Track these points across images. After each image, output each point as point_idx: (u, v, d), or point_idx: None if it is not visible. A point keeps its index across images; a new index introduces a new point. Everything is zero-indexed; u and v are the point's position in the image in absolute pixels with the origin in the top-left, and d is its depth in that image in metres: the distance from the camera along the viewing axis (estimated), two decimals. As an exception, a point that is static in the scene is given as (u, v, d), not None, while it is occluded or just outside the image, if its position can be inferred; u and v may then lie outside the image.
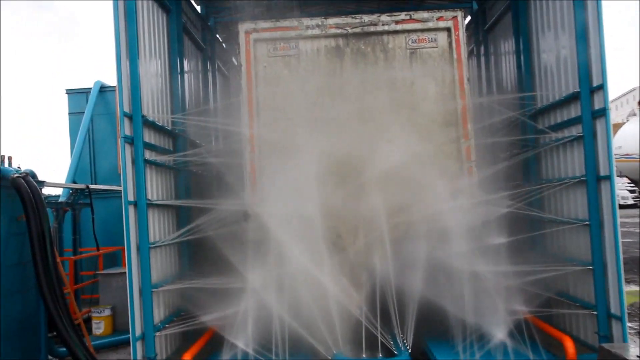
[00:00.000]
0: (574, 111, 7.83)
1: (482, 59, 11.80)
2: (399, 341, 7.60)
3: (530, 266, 7.47)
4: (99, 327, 10.57)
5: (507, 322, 7.29)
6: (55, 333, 8.34)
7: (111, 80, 14.94)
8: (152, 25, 8.64)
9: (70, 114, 15.49)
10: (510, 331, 7.28)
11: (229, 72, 13.12)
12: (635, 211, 33.62)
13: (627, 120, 19.65)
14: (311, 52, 8.36)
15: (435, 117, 8.14)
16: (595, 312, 7.34)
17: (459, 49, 8.30)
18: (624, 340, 7.02)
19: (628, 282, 12.46)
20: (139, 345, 7.33)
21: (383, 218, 7.52)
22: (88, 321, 10.50)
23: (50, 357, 9.30)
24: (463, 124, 8.14)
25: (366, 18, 8.38)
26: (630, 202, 35.26)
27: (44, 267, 7.91)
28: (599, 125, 7.35)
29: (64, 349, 8.42)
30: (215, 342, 7.67)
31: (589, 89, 7.43)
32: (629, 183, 27.25)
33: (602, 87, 7.19)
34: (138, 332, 7.35)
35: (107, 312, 10.67)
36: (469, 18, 11.77)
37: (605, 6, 7.14)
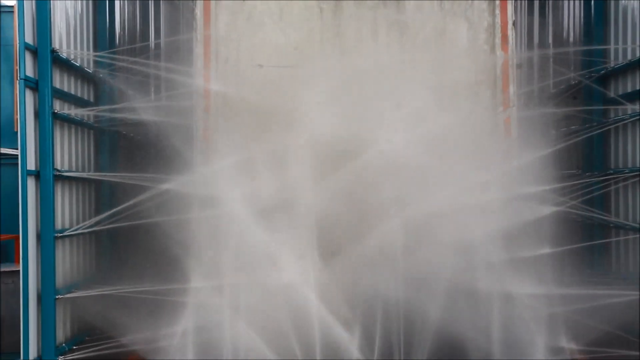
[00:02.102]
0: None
1: (535, -2, 11.85)
2: None
3: (585, 288, 7.64)
4: (-23, 346, 10.64)
5: (550, 363, 7.48)
6: None
7: (6, -2, 14.87)
8: None
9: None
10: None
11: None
12: None
13: None
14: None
15: (465, 75, 8.17)
16: (670, 354, 7.58)
17: (503, -20, 8.37)
18: None
19: None
20: (34, 371, 7.48)
21: (388, 208, 7.63)
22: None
23: None
24: (503, 87, 8.19)
25: None
26: None
27: None
28: None
29: None
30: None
31: None
32: None
33: None
34: (32, 355, 7.44)
35: (-10, 326, 10.74)
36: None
37: None
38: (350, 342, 7.58)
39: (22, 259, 7.45)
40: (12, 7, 7.35)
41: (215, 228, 7.63)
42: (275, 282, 7.51)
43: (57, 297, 7.70)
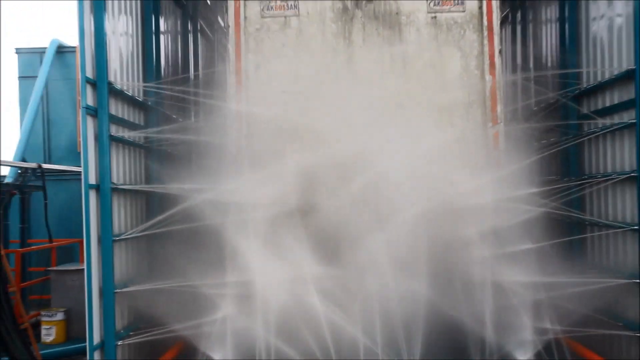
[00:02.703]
0: (626, 93, 7.88)
1: (518, 27, 11.78)
2: None
3: (565, 277, 7.54)
4: (50, 333, 10.62)
5: (535, 344, 7.40)
6: None
7: (72, 39, 14.87)
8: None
9: (20, 77, 15.40)
10: (539, 354, 7.39)
11: (213, 35, 13.13)
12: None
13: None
14: (313, 14, 8.34)
15: (459, 96, 8.16)
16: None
17: (490, 15, 8.27)
18: None
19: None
20: (97, 355, 7.44)
21: (394, 217, 7.58)
22: (37, 326, 10.56)
23: (-10, 367, 9.44)
24: (492, 106, 8.14)
25: (381, -26, 8.39)
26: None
27: None
28: None
29: (6, 359, 8.46)
30: (186, 355, 7.76)
31: None
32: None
33: None
34: (96, 340, 7.46)
35: (60, 316, 10.72)
36: (504, -22, 11.74)
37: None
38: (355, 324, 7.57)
39: (86, 259, 7.44)
40: (74, 47, 7.41)
41: (246, 230, 7.61)
42: (294, 276, 7.49)
43: (115, 291, 7.70)
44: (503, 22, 10.40)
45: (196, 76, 11.29)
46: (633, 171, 7.68)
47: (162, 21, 10.20)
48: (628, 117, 7.83)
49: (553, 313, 7.46)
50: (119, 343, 7.72)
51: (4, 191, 11.44)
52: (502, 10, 9.68)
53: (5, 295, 8.15)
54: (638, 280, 7.55)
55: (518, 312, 7.40)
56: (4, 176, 12.46)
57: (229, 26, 8.43)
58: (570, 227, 8.71)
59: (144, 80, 9.21)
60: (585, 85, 8.92)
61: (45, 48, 14.88)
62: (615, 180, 8.15)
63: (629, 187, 7.88)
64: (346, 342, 7.53)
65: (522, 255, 7.49)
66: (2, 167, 11.94)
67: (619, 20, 8.19)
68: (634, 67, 7.62)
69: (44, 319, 10.78)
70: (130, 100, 8.73)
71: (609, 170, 8.44)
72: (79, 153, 7.54)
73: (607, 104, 8.45)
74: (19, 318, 8.66)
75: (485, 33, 8.30)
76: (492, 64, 8.25)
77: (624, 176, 7.91)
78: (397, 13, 8.35)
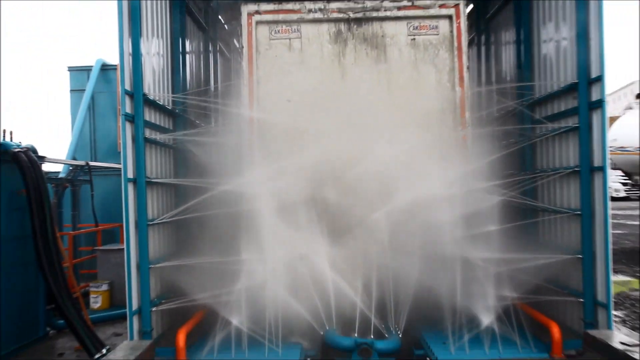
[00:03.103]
0: (570, 102, 7.87)
1: (482, 48, 11.77)
2: (390, 324, 7.65)
3: (521, 254, 7.47)
4: (97, 301, 10.64)
5: (496, 308, 7.33)
6: (54, 306, 8.35)
7: (113, 59, 14.87)
8: (155, 4, 8.58)
9: (71, 91, 15.42)
10: (499, 317, 7.33)
11: (230, 54, 13.06)
12: (626, 204, 33.78)
13: (624, 114, 19.59)
14: (313, 37, 8.30)
15: (434, 104, 8.10)
16: (582, 300, 7.49)
17: (459, 37, 8.25)
18: (609, 327, 7.16)
19: (616, 272, 12.57)
20: (135, 319, 7.42)
21: (381, 205, 7.50)
22: (86, 295, 10.56)
23: (48, 329, 9.41)
24: (461, 113, 8.12)
25: (368, 3, 8.32)
26: (623, 194, 35.51)
27: (43, 241, 7.97)
28: (595, 117, 7.42)
29: (62, 322, 8.50)
30: (209, 319, 7.69)
31: (587, 80, 7.49)
32: (622, 176, 27.30)
33: (600, 78, 7.25)
34: (135, 306, 7.43)
35: (105, 287, 10.75)
36: (470, 6, 11.63)
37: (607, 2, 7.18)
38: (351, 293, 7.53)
39: (125, 240, 7.40)
40: (115, 65, 7.44)
41: (258, 216, 7.52)
42: (297, 252, 7.45)
43: (150, 266, 7.63)
44: (470, 43, 10.32)
45: (215, 88, 11.20)
46: (576, 166, 7.66)
47: (187, 43, 10.09)
48: (572, 122, 7.80)
49: (511, 283, 7.39)
50: (153, 309, 7.66)
51: (58, 184, 11.46)
52: (469, 34, 9.61)
53: (60, 270, 8.11)
54: (580, 256, 7.53)
55: (482, 283, 7.33)
56: (59, 172, 12.47)
57: (243, 47, 8.43)
58: (525, 212, 8.65)
59: (173, 92, 9.13)
60: (537, 96, 8.86)
61: (92, 66, 14.95)
62: (561, 174, 8.10)
63: (573, 180, 7.84)
64: (344, 306, 7.50)
65: (487, 236, 7.43)
66: (57, 164, 11.94)
67: (564, 43, 8.15)
68: (576, 81, 7.60)
69: (92, 289, 10.79)
70: (161, 109, 8.66)
71: (557, 165, 8.38)
72: (119, 152, 7.53)
73: (555, 111, 8.40)
74: (72, 288, 8.62)
75: (456, 52, 8.28)
76: (461, 78, 8.22)
77: (569, 170, 7.89)
78: (382, 36, 8.32)
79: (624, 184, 34.45)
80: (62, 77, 15.52)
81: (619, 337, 6.92)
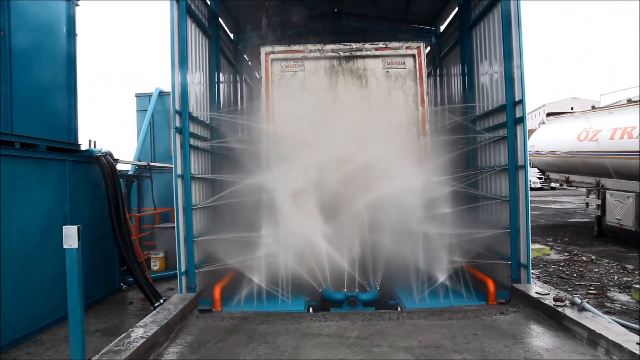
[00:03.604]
0: (501, 118, 7.79)
1: (437, 78, 11.69)
2: (371, 282, 7.59)
3: (466, 229, 7.43)
4: (156, 264, 10.56)
5: (449, 270, 7.28)
6: (125, 268, 8.58)
7: (167, 87, 14.75)
8: (197, 46, 8.50)
9: (137, 111, 15.35)
10: (450, 275, 7.29)
11: (252, 82, 12.94)
12: (541, 192, 33.85)
13: (538, 127, 19.57)
14: (313, 69, 8.20)
15: (403, 119, 8.00)
16: (509, 262, 7.47)
17: (421, 71, 8.15)
18: (528, 282, 7.20)
19: (533, 242, 12.52)
20: (183, 278, 7.35)
21: (364, 194, 7.43)
22: (148, 260, 10.45)
23: (121, 284, 9.40)
24: (422, 125, 8.00)
25: (354, 45, 8.23)
26: (538, 185, 35.80)
27: (117, 221, 8.02)
28: (519, 129, 7.42)
29: (131, 279, 8.53)
30: (237, 279, 7.61)
31: (512, 102, 7.46)
32: (537, 172, 27.38)
33: (521, 101, 7.27)
34: (183, 268, 7.35)
35: (161, 255, 10.66)
36: (429, 48, 11.59)
37: (526, 39, 7.11)
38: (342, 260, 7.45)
39: (176, 220, 7.30)
40: (169, 92, 7.48)
41: (273, 202, 7.45)
42: (304, 231, 7.33)
43: (193, 239, 7.50)
44: (429, 75, 10.23)
45: (241, 108, 11.08)
46: (506, 165, 7.58)
47: (221, 75, 9.98)
48: (502, 132, 7.72)
49: (459, 251, 7.34)
50: (196, 271, 7.54)
51: (128, 179, 11.40)
52: (428, 68, 9.50)
53: (130, 242, 8.10)
54: (508, 230, 7.48)
55: (438, 250, 7.26)
56: (128, 170, 12.36)
57: (261, 77, 8.33)
58: (469, 199, 8.51)
59: (210, 110, 9.02)
60: (477, 113, 8.76)
61: (152, 93, 14.89)
62: (495, 170, 8.03)
63: (503, 175, 7.75)
64: (336, 270, 7.44)
65: (441, 216, 7.36)
66: (126, 164, 11.85)
67: (496, 75, 8.09)
68: (505, 103, 7.54)
69: (152, 256, 10.69)
70: (201, 123, 8.54)
71: (492, 164, 8.28)
72: (171, 156, 7.41)
73: (491, 124, 8.28)
74: (138, 255, 8.58)
75: (418, 81, 8.17)
76: (422, 100, 8.09)
77: (501, 168, 7.81)
78: (364, 69, 8.22)
79: (539, 178, 34.54)
80: (131, 101, 15.35)
81: (535, 288, 6.94)
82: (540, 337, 5.59)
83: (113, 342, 5.16)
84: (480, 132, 8.48)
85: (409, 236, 7.23)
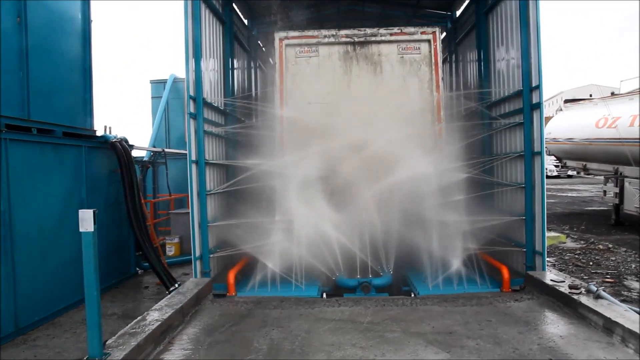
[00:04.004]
0: (517, 104, 7.70)
1: (453, 64, 11.55)
2: (384, 267, 7.60)
3: (481, 216, 7.40)
4: (171, 250, 10.65)
5: (463, 256, 7.26)
6: (140, 253, 8.62)
7: (181, 74, 14.77)
8: (212, 33, 8.49)
9: (152, 97, 15.45)
10: (464, 262, 7.27)
11: (266, 69, 12.90)
12: (557, 180, 33.44)
13: (556, 114, 19.28)
14: (327, 55, 8.14)
15: (417, 105, 7.91)
16: (524, 249, 7.44)
17: (436, 56, 8.05)
18: (543, 269, 7.17)
19: (549, 230, 12.40)
20: (198, 263, 7.43)
21: (378, 180, 7.40)
22: (163, 246, 10.55)
23: (137, 269, 9.51)
24: (437, 111, 7.93)
25: (368, 31, 8.14)
26: (555, 173, 35.33)
27: (132, 206, 8.09)
28: (535, 115, 7.34)
29: (147, 264, 8.61)
30: (251, 264, 7.66)
31: (529, 88, 7.38)
32: (554, 160, 27.03)
33: (538, 87, 7.18)
34: (197, 253, 7.43)
35: (177, 240, 10.75)
36: (444, 34, 11.45)
37: (545, 26, 7.02)
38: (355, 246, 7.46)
39: (191, 206, 7.37)
40: (183, 78, 7.53)
41: (287, 188, 7.45)
42: (317, 215, 7.34)
43: (208, 224, 7.58)
44: (444, 61, 10.09)
45: (255, 94, 11.08)
46: (522, 151, 7.50)
47: (235, 61, 9.98)
48: (519, 119, 7.62)
49: (474, 237, 7.30)
50: (211, 256, 7.62)
51: (143, 165, 11.48)
52: (443, 53, 9.36)
53: (145, 227, 8.18)
54: (523, 217, 7.43)
55: (452, 238, 7.23)
56: (143, 156, 12.45)
57: (275, 63, 8.30)
58: (484, 185, 8.43)
59: (224, 96, 9.02)
60: (493, 99, 8.65)
61: (166, 79, 14.94)
62: (511, 157, 7.95)
63: (519, 162, 7.68)
64: (350, 256, 7.45)
65: (456, 203, 7.34)
66: (142, 151, 11.93)
67: (512, 61, 7.98)
68: (521, 89, 7.44)
69: (167, 241, 10.78)
70: (215, 109, 8.56)
71: (508, 151, 8.19)
72: (186, 142, 7.44)
73: (507, 110, 8.19)
74: (153, 240, 8.66)
75: (433, 67, 8.08)
76: (437, 86, 8.02)
77: (516, 154, 7.73)
78: (378, 55, 8.13)
79: (556, 166, 34.15)
80: (146, 88, 15.44)
81: (550, 276, 6.94)
82: (554, 325, 5.56)
83: (129, 325, 5.24)
84: (496, 118, 8.39)
85: (423, 222, 7.21)
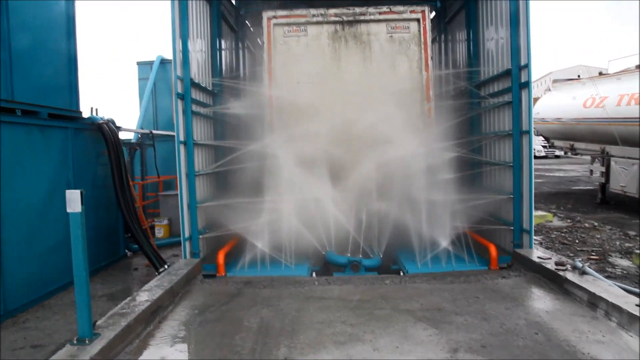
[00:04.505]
0: (506, 83, 7.69)
1: (442, 44, 11.50)
2: (374, 248, 7.64)
3: (469, 195, 7.44)
4: (160, 232, 10.64)
5: (451, 235, 7.31)
6: (129, 235, 8.60)
7: (168, 55, 14.59)
8: (199, 12, 8.36)
9: (139, 79, 15.22)
10: (453, 241, 7.33)
11: (254, 49, 12.74)
12: (545, 161, 33.70)
13: (544, 94, 19.34)
14: (316, 34, 8.04)
15: (406, 85, 7.88)
16: (512, 228, 7.51)
17: (425, 35, 7.99)
18: (530, 247, 7.26)
19: (536, 209, 12.52)
20: (187, 244, 7.43)
21: (367, 159, 7.40)
22: (152, 228, 10.52)
23: (126, 251, 9.49)
24: (426, 91, 7.90)
25: (357, 10, 8.03)
26: (542, 154, 35.51)
27: (121, 188, 8.01)
28: (524, 94, 7.33)
29: (136, 246, 8.63)
30: (241, 245, 7.66)
31: (518, 67, 7.37)
32: (542, 140, 27.22)
33: (527, 66, 7.17)
34: (187, 235, 7.42)
35: (165, 222, 10.74)
36: (433, 13, 11.35)
37: (534, 6, 7.02)
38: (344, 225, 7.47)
39: (179, 187, 7.36)
40: (171, 60, 7.44)
41: (276, 168, 7.43)
42: (307, 195, 7.32)
43: (197, 205, 7.54)
44: (433, 40, 9.97)
45: (244, 74, 10.96)
46: (510, 130, 7.52)
47: (223, 41, 9.86)
48: (507, 98, 7.62)
49: (462, 216, 7.34)
50: (200, 237, 7.62)
51: (131, 147, 11.40)
52: (432, 33, 9.24)
53: (134, 209, 8.13)
54: (511, 196, 7.48)
55: (442, 217, 7.27)
56: (131, 138, 12.34)
57: (264, 42, 8.19)
58: (473, 164, 8.49)
59: (212, 76, 8.92)
60: (482, 79, 8.64)
61: (153, 61, 14.72)
62: (499, 136, 7.98)
63: (507, 141, 7.70)
64: (339, 236, 7.47)
65: (445, 182, 7.35)
66: (129, 132, 11.84)
67: (501, 41, 7.95)
68: (510, 67, 7.43)
69: (156, 223, 10.76)
70: (203, 90, 8.47)
71: (496, 130, 8.21)
72: (174, 123, 7.38)
73: (495, 90, 8.18)
74: (142, 222, 8.59)
75: (422, 46, 8.02)
76: (426, 65, 7.97)
77: (505, 134, 7.75)
78: (367, 34, 8.06)
79: (544, 147, 34.32)
80: (132, 69, 15.21)
81: (537, 253, 7.03)
82: (541, 300, 5.65)
83: (119, 305, 5.25)
84: (484, 98, 8.39)
85: (411, 202, 7.24)
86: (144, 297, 5.53)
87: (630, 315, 4.58)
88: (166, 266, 7.48)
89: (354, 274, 7.08)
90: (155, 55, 15.10)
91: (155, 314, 5.36)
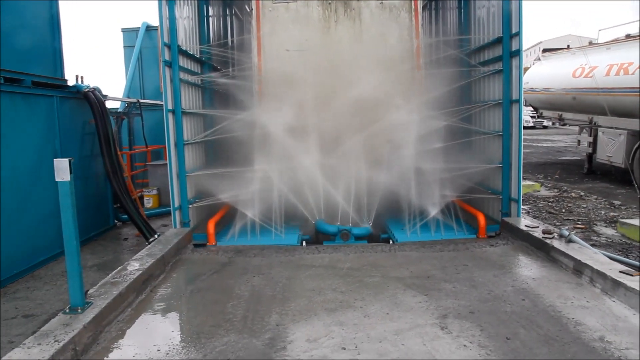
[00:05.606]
0: (497, 51, 7.65)
1: (433, 12, 11.31)
2: (364, 217, 7.68)
3: (459, 164, 7.46)
4: (149, 202, 10.61)
5: (440, 204, 7.37)
6: (119, 205, 8.52)
7: (155, 22, 14.23)
8: (185, -22, 8.14)
9: (124, 47, 14.83)
10: (442, 210, 7.39)
11: (242, 16, 12.48)
12: (533, 131, 33.87)
13: (533, 64, 19.27)
14: (305, 1, 7.91)
15: (397, 52, 7.81)
16: (500, 197, 7.57)
17: (416, 3, 7.91)
18: (518, 216, 7.31)
19: (524, 179, 12.62)
20: (177, 213, 7.41)
21: (356, 128, 7.37)
22: (141, 198, 10.47)
23: (116, 221, 9.46)
24: (417, 58, 7.85)
25: (348, -25, 7.91)
26: (531, 124, 35.69)
27: (109, 158, 7.91)
28: (514, 63, 7.31)
29: (125, 216, 8.62)
30: (231, 214, 7.67)
31: (509, 35, 7.33)
32: (531, 111, 27.28)
33: (518, 33, 7.13)
34: (177, 204, 7.40)
35: (155, 192, 10.69)
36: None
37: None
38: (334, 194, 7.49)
39: (168, 157, 7.29)
40: (157, 26, 7.23)
41: (266, 138, 7.40)
42: (297, 165, 7.32)
43: (186, 175, 7.50)
44: (424, 7, 9.73)
45: (232, 42, 10.73)
46: (500, 99, 7.52)
47: (210, 8, 9.68)
48: (498, 66, 7.60)
49: (451, 185, 7.41)
50: (190, 206, 7.58)
51: (118, 117, 11.27)
52: (423, 0, 9.10)
53: (122, 179, 8.04)
54: (500, 165, 7.53)
55: (431, 186, 7.31)
56: (117, 108, 12.13)
57: (252, 9, 8.06)
58: (463, 133, 8.44)
59: (200, 44, 8.72)
60: (472, 47, 8.57)
61: (139, 28, 14.34)
62: (489, 105, 7.97)
63: (497, 110, 7.70)
64: (329, 205, 7.50)
65: (435, 150, 7.37)
66: (116, 101, 11.63)
67: (492, 9, 7.88)
68: (501, 35, 7.39)
69: (145, 193, 10.73)
70: (191, 57, 8.31)
71: (486, 99, 8.19)
72: (161, 93, 7.26)
73: (486, 58, 8.14)
74: (131, 193, 8.52)
75: (413, 14, 7.94)
76: (417, 33, 7.91)
77: (494, 102, 7.74)
78: (359, 1, 7.89)
79: (532, 117, 34.44)
80: (117, 36, 14.80)
81: (524, 222, 7.10)
82: (528, 268, 5.74)
83: (110, 275, 5.25)
84: (475, 66, 8.33)
85: (401, 170, 7.25)
86: (135, 266, 5.54)
87: (614, 282, 4.68)
88: (156, 236, 7.46)
89: (344, 242, 7.14)
90: (140, 21, 14.70)
91: (146, 282, 5.38)
